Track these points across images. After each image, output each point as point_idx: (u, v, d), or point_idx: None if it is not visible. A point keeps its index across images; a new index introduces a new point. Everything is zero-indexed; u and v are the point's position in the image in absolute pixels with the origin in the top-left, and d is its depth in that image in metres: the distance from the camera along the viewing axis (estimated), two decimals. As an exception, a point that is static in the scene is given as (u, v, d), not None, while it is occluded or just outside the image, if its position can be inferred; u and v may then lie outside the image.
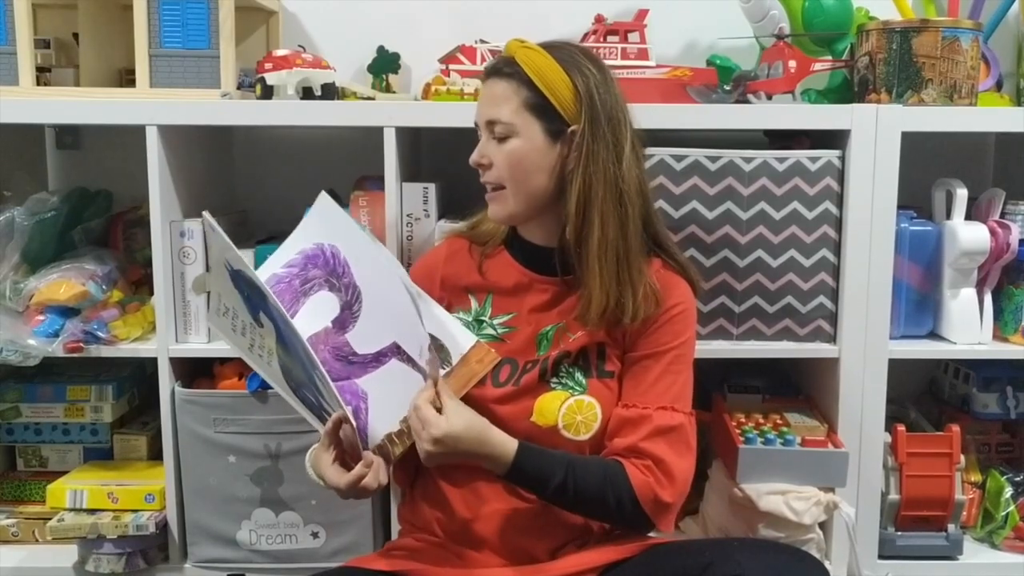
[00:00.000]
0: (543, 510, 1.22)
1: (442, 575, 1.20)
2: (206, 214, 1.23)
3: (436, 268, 1.32)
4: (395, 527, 1.51)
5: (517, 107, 1.19)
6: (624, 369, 1.26)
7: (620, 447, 1.21)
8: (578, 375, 1.24)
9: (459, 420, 1.14)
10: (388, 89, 1.79)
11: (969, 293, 1.59)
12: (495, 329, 1.28)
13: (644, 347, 1.24)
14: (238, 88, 1.62)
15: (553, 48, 1.21)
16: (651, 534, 1.25)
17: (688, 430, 1.22)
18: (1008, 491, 1.63)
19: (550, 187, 1.22)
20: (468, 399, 1.21)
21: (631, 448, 1.20)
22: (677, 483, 1.19)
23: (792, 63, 1.62)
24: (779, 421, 1.55)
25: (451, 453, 1.14)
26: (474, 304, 1.30)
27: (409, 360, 1.22)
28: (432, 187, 1.54)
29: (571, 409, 1.22)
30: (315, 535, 1.55)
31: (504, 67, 1.21)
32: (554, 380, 1.24)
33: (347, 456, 1.20)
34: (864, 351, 1.54)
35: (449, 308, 1.29)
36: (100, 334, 1.52)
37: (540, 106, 1.19)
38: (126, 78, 1.71)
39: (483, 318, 1.29)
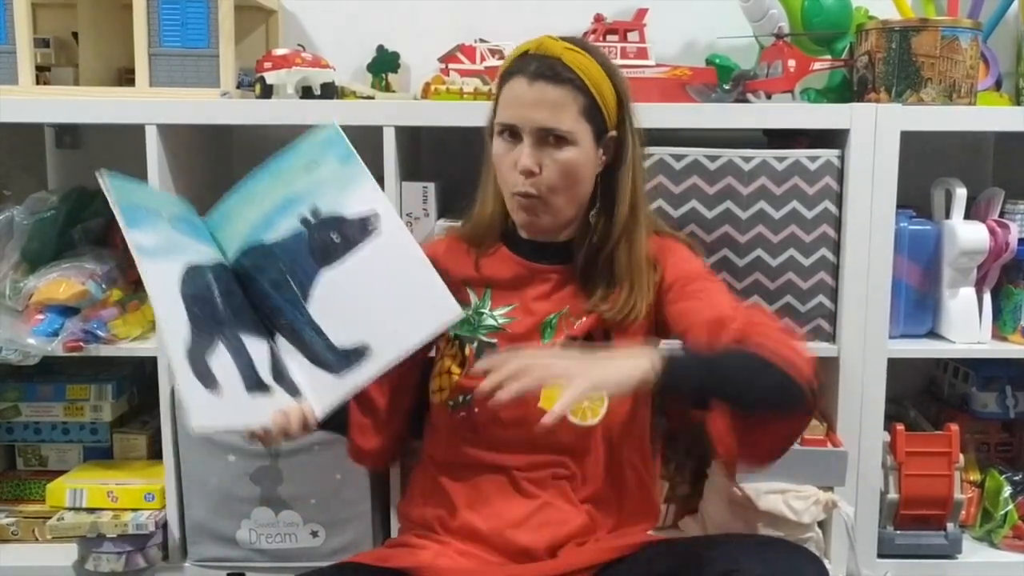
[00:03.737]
0: (544, 507, 1.22)
1: (442, 572, 1.20)
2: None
3: (436, 260, 1.31)
4: (395, 526, 1.52)
5: (575, 114, 1.17)
6: (668, 308, 1.22)
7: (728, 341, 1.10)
8: None
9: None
10: (388, 88, 1.79)
11: (968, 292, 1.59)
12: (495, 320, 1.27)
13: (672, 291, 1.23)
14: (237, 87, 1.62)
15: (588, 49, 1.20)
16: (651, 532, 1.25)
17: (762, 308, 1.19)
18: (1007, 490, 1.63)
19: (587, 193, 1.23)
20: (473, 388, 1.21)
21: (742, 334, 1.09)
22: (796, 338, 1.11)
23: (791, 62, 1.62)
24: (778, 420, 1.54)
25: (584, 359, 1.04)
26: (473, 298, 1.29)
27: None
28: (431, 186, 1.54)
29: None
30: (315, 534, 1.55)
31: (556, 72, 1.16)
32: None
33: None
34: (863, 350, 1.54)
35: None
36: (99, 333, 1.52)
37: (592, 112, 1.18)
38: (125, 77, 1.71)
39: (483, 310, 1.28)
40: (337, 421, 1.23)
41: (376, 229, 1.19)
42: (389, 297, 1.18)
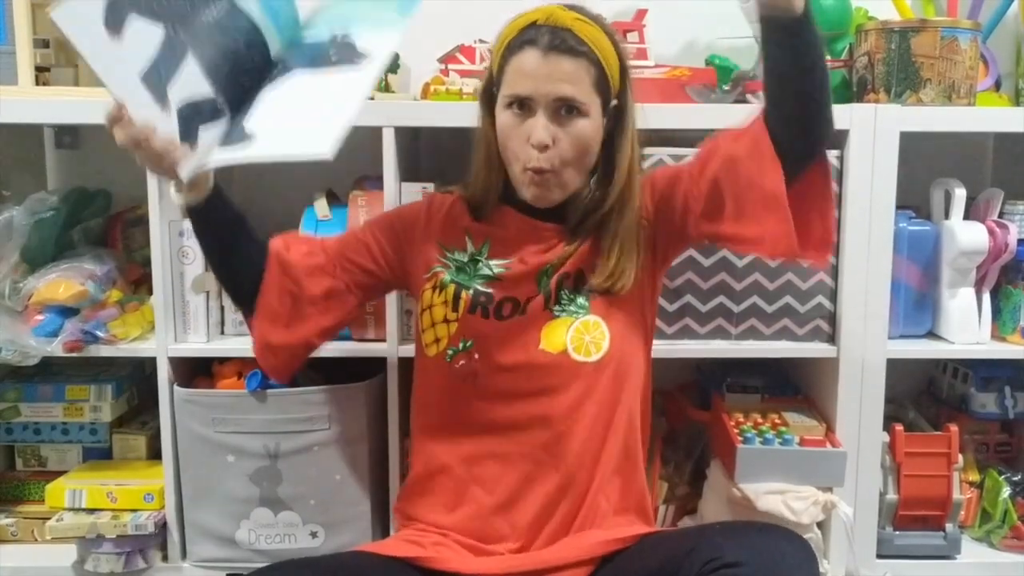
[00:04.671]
0: (548, 499, 1.23)
1: (444, 561, 1.20)
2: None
3: (443, 206, 1.31)
4: (394, 526, 1.52)
5: (589, 86, 1.18)
6: (698, 207, 1.23)
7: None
8: (579, 299, 1.24)
9: None
10: (387, 89, 1.79)
11: (967, 293, 1.59)
12: (491, 269, 1.27)
13: (670, 195, 1.25)
14: (237, 88, 1.62)
15: (593, 17, 1.20)
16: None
17: None
18: (1006, 491, 1.63)
19: (594, 162, 1.23)
20: (472, 333, 1.23)
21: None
22: None
23: (791, 63, 1.62)
24: (777, 421, 1.55)
25: None
26: (470, 246, 1.29)
27: None
28: (431, 187, 1.54)
29: (578, 331, 1.23)
30: (314, 535, 1.55)
31: (570, 44, 1.16)
32: (557, 308, 1.24)
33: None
34: (863, 351, 1.54)
35: (445, 247, 1.29)
36: (99, 334, 1.53)
37: (601, 83, 1.19)
38: (125, 78, 1.71)
39: (479, 258, 1.28)
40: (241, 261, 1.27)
41: (358, 64, 1.15)
42: (307, 108, 1.14)
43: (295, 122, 1.14)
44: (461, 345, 1.24)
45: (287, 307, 1.29)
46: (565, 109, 1.17)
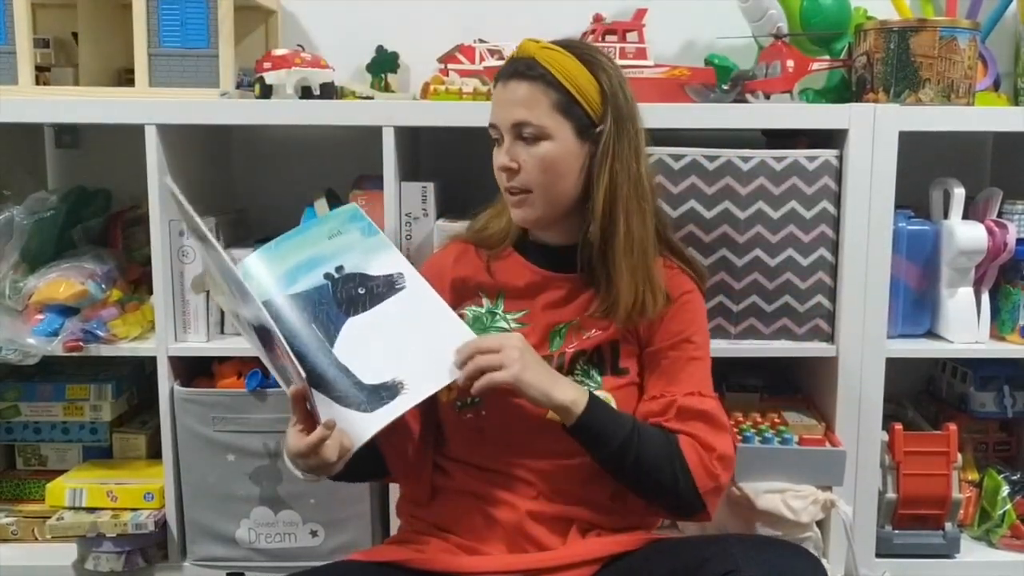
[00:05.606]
0: (559, 512, 1.22)
1: (444, 563, 1.20)
2: (169, 181, 1.18)
3: (446, 270, 1.31)
4: (394, 526, 1.52)
5: (547, 109, 1.18)
6: (646, 364, 1.26)
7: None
8: (594, 373, 1.24)
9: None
10: (387, 88, 1.80)
11: (966, 292, 1.59)
12: (508, 323, 1.27)
13: (661, 339, 1.24)
14: (237, 87, 1.62)
15: (571, 47, 1.20)
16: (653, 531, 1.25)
17: (720, 411, 1.22)
18: (1005, 490, 1.63)
19: (577, 187, 1.22)
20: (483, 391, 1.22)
21: (672, 432, 1.20)
22: (726, 461, 1.20)
23: (790, 63, 1.62)
24: (777, 420, 1.55)
25: (533, 369, 1.14)
26: (486, 302, 1.29)
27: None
28: (431, 186, 1.55)
29: None
30: (314, 533, 1.56)
31: (528, 69, 1.18)
32: (570, 378, 1.23)
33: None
34: (862, 350, 1.54)
35: (460, 307, 1.28)
36: (99, 333, 1.53)
37: (569, 107, 1.18)
38: (125, 77, 1.72)
39: (496, 311, 1.28)
40: (363, 470, 1.23)
41: (402, 286, 1.22)
42: (419, 340, 1.19)
43: (423, 350, 1.18)
44: (470, 400, 1.24)
45: (420, 457, 1.30)
46: (526, 133, 1.18)
